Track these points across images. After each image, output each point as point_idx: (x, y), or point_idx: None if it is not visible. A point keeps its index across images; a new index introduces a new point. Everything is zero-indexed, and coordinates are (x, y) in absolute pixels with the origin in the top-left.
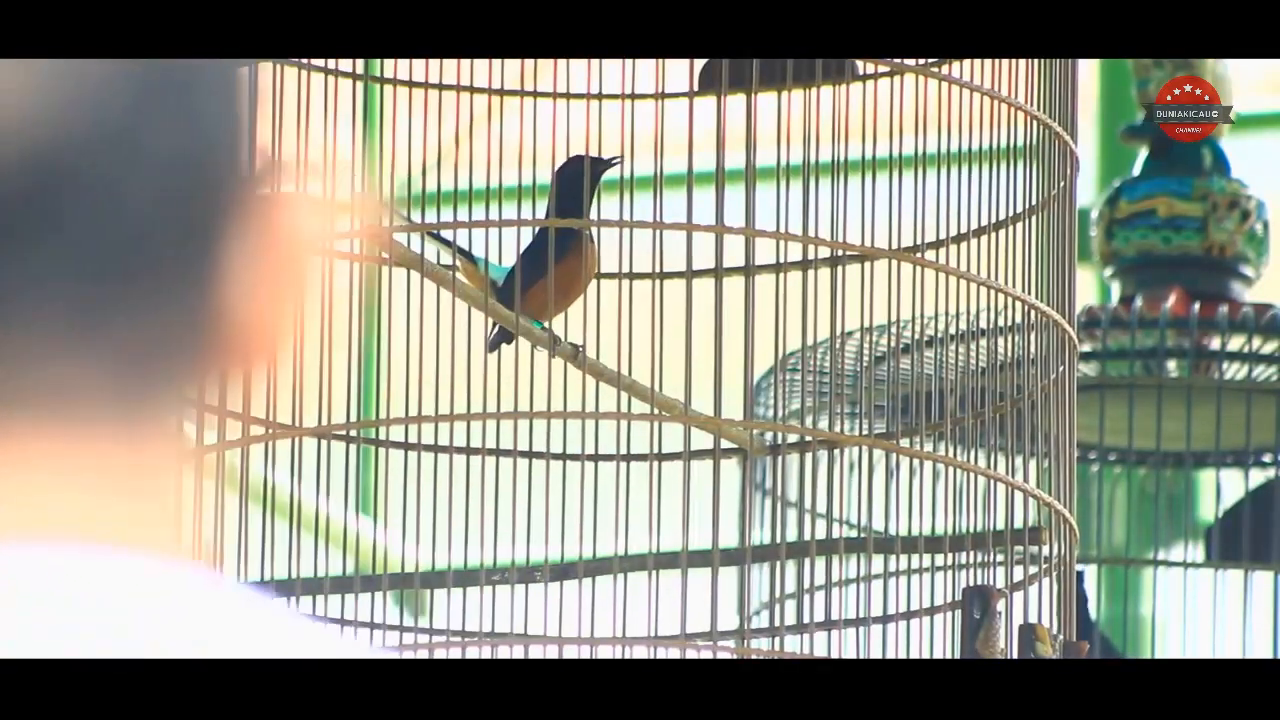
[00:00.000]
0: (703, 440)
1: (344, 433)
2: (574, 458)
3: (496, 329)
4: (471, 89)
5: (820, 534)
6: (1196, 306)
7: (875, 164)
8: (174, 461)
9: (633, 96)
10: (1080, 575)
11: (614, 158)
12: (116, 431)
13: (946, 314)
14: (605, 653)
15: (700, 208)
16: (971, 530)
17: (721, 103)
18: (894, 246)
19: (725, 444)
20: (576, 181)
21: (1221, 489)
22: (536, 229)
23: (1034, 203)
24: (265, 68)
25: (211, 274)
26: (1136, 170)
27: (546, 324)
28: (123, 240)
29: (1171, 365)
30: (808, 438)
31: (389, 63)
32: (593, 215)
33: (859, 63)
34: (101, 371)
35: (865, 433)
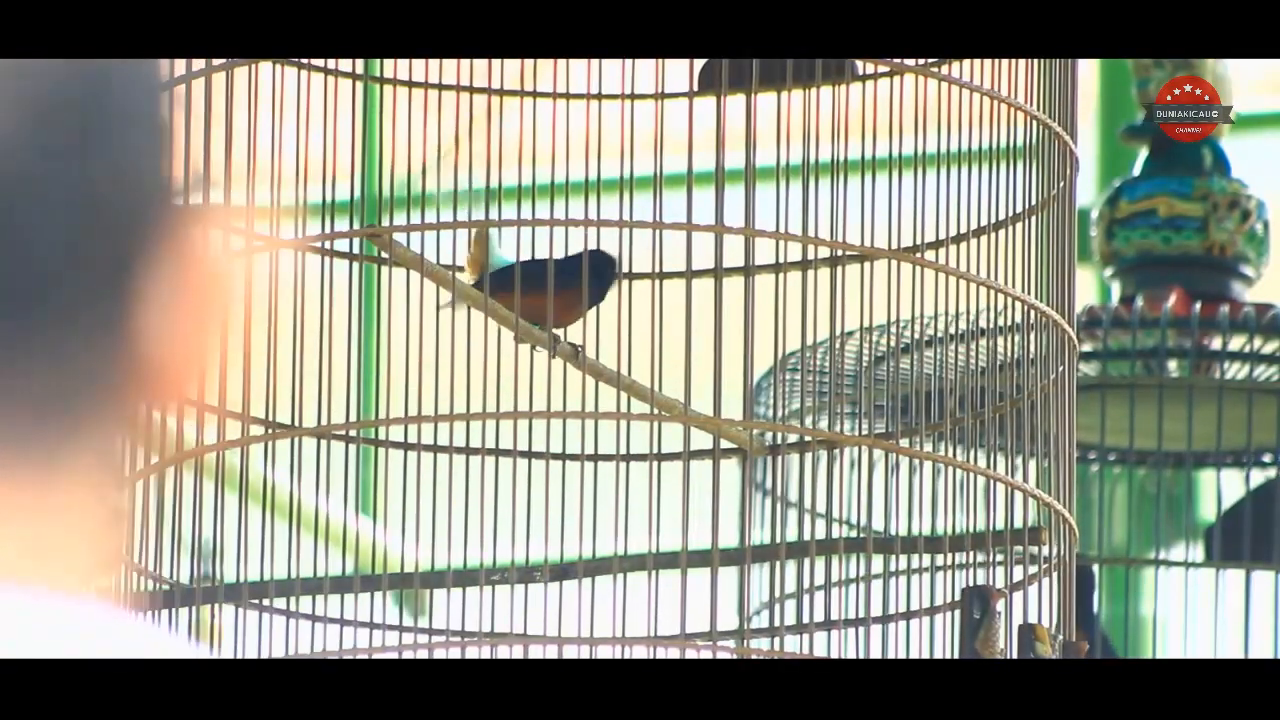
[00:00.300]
0: (702, 440)
1: (344, 433)
2: (574, 458)
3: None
4: (471, 89)
5: (820, 534)
6: (1197, 306)
7: (875, 164)
8: (92, 504)
9: (632, 96)
10: (1091, 574)
11: (621, 273)
12: (35, 474)
13: (946, 314)
14: (605, 653)
15: (700, 208)
16: (971, 530)
17: (721, 103)
18: (894, 246)
19: (725, 444)
20: (602, 273)
21: (1222, 489)
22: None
23: (1034, 203)
24: (264, 67)
25: (131, 309)
26: (1136, 170)
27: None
28: (39, 279)
29: (1172, 365)
30: (807, 438)
31: (389, 63)
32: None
33: (859, 63)
34: (21, 413)
35: (865, 433)
